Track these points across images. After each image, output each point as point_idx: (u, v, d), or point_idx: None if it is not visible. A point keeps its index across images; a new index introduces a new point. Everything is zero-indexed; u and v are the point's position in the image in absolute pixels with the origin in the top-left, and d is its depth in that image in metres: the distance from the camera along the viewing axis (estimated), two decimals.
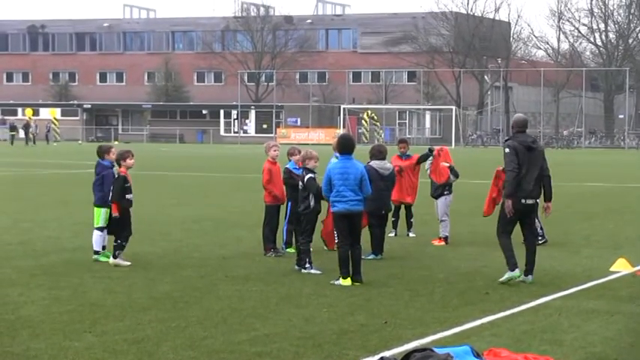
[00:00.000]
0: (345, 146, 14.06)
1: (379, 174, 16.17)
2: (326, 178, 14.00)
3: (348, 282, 13.61)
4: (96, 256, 15.77)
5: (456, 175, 18.66)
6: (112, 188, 15.40)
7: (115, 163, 15.87)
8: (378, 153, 16.51)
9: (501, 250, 14.02)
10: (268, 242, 16.65)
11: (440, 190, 18.49)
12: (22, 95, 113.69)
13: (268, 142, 17.49)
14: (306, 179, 14.89)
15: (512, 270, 13.76)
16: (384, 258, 16.23)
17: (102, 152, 16.08)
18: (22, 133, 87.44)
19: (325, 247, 16.78)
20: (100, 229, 15.79)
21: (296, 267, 14.82)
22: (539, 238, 18.04)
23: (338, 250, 14.03)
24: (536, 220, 18.18)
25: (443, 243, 18.14)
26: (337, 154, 14.45)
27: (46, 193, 30.15)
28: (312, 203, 14.88)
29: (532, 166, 13.87)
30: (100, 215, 15.78)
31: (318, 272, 14.51)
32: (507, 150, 13.83)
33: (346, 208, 13.83)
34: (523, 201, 13.84)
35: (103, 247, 15.95)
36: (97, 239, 15.82)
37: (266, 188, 16.73)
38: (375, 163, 16.36)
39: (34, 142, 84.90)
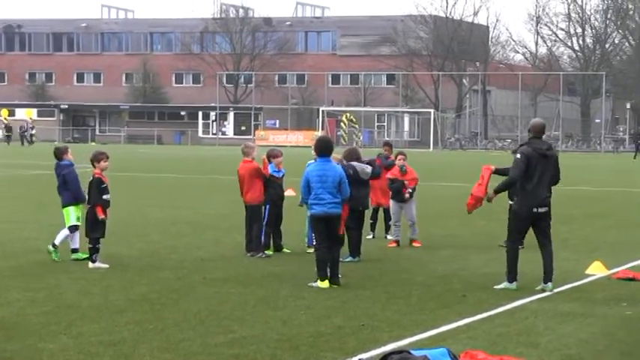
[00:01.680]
0: (323, 148, 14.05)
1: (359, 175, 16.20)
2: (304, 181, 13.95)
3: (325, 284, 13.61)
4: (75, 255, 15.81)
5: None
6: (87, 191, 15.43)
7: (89, 164, 15.94)
8: (353, 155, 16.52)
9: (506, 258, 13.75)
10: (259, 242, 16.69)
11: (412, 192, 18.44)
12: None
13: (247, 143, 17.59)
14: None
15: (511, 282, 13.61)
16: (361, 260, 16.24)
17: (60, 154, 16.20)
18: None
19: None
20: (74, 227, 15.82)
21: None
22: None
23: (316, 252, 14.03)
24: None
25: (420, 245, 18.17)
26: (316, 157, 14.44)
27: (23, 194, 30.01)
28: None
29: (545, 174, 13.60)
30: (70, 214, 15.85)
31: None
32: (519, 156, 13.54)
33: (324, 210, 13.82)
34: (535, 210, 13.56)
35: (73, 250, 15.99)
36: (72, 238, 15.88)
37: (258, 179, 16.81)
38: (356, 164, 16.47)
39: (27, 143, 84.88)
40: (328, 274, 13.70)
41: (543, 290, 13.53)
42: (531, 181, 13.55)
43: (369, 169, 16.33)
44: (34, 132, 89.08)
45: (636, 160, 65.65)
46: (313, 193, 13.86)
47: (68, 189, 15.92)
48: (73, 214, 15.91)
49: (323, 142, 14.24)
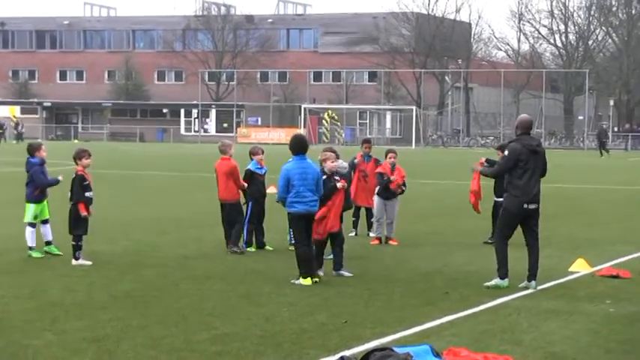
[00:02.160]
0: (299, 147, 14.02)
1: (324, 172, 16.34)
2: (284, 179, 13.82)
3: (308, 281, 13.62)
4: (30, 252, 15.82)
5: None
6: (70, 188, 15.42)
7: (73, 162, 15.92)
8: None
9: (496, 255, 13.73)
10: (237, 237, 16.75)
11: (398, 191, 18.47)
12: None
13: (224, 141, 17.59)
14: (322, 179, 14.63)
15: (503, 278, 13.58)
16: (343, 258, 16.23)
17: (32, 150, 16.24)
18: None
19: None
20: (31, 224, 15.87)
21: (333, 272, 14.46)
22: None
23: (296, 250, 14.02)
24: None
25: (396, 243, 18.16)
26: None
27: (4, 191, 29.90)
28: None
29: (536, 170, 13.65)
30: (29, 211, 15.90)
31: (349, 275, 14.34)
32: (507, 152, 13.57)
33: (306, 209, 13.82)
34: (525, 206, 13.61)
35: (48, 243, 15.97)
36: (29, 235, 15.93)
37: (234, 181, 16.88)
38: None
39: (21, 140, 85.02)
40: (312, 271, 13.70)
41: (527, 288, 13.55)
42: (522, 177, 13.56)
43: (345, 164, 16.35)
44: (23, 130, 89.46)
45: (604, 157, 66.11)
46: (294, 191, 13.79)
47: (31, 186, 15.97)
48: (31, 211, 15.99)
49: (298, 140, 14.18)
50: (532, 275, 13.71)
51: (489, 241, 18.27)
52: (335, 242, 14.62)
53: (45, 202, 16.17)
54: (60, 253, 15.89)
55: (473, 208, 18.75)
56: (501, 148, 18.89)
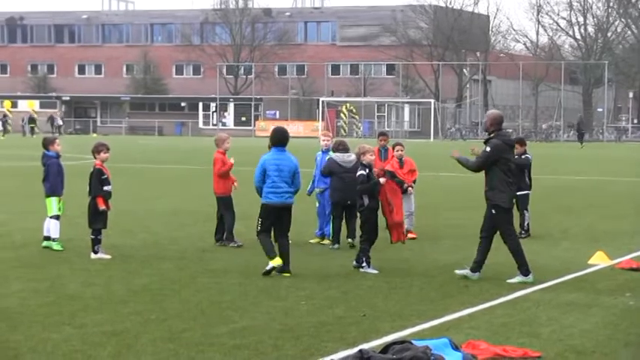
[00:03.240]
0: (277, 139, 14.12)
1: (340, 165, 16.37)
2: (260, 169, 14.02)
3: (278, 261, 13.69)
4: (46, 243, 15.86)
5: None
6: (89, 182, 15.45)
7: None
8: (339, 146, 16.92)
9: (513, 253, 13.62)
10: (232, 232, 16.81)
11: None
12: (1, 87, 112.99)
13: (220, 134, 17.63)
14: (357, 174, 14.63)
15: (526, 275, 13.48)
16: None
17: (46, 144, 16.33)
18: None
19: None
20: (56, 216, 15.88)
21: (354, 263, 14.46)
22: (523, 233, 18.16)
23: (258, 236, 14.08)
24: (525, 215, 18.34)
25: (415, 236, 18.09)
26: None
27: (24, 185, 30.00)
28: (366, 201, 14.52)
29: (514, 165, 13.75)
30: (52, 204, 15.96)
31: (375, 272, 14.16)
32: (489, 149, 13.52)
33: (280, 201, 13.93)
34: (514, 200, 13.78)
35: (47, 238, 16.10)
36: (54, 226, 16.01)
37: (219, 176, 17.01)
38: (336, 156, 16.68)
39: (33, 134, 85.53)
40: (276, 253, 13.80)
41: (467, 278, 13.52)
42: (508, 173, 13.59)
43: (352, 157, 16.27)
44: (62, 124, 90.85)
45: (584, 148, 66.48)
46: (270, 181, 13.93)
47: (49, 181, 16.08)
48: (54, 204, 16.03)
49: (279, 133, 14.29)
50: (478, 267, 13.66)
51: (522, 235, 18.17)
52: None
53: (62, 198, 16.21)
54: (59, 249, 15.89)
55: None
56: (518, 142, 18.87)
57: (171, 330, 10.30)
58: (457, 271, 13.74)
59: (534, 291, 12.87)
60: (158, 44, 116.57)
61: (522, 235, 18.15)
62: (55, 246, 15.94)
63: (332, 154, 16.99)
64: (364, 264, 14.28)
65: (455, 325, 10.73)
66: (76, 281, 13.19)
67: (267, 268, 13.73)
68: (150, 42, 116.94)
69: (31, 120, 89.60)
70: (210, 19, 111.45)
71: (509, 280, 13.50)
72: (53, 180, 16.05)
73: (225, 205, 17.00)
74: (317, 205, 17.67)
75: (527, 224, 18.44)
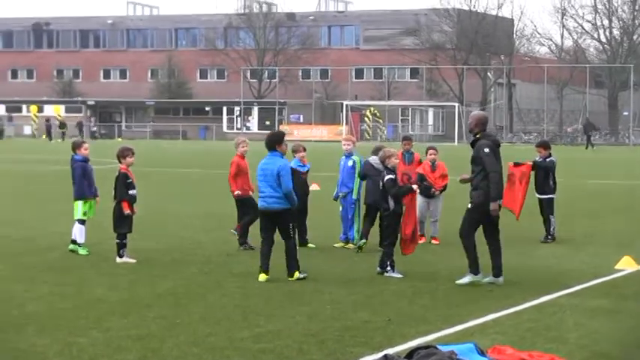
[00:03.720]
0: (265, 143, 14.07)
1: (375, 168, 16.34)
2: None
3: (262, 277, 13.61)
4: (72, 247, 15.92)
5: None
6: (114, 186, 15.51)
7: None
8: (377, 150, 16.76)
9: (467, 251, 13.59)
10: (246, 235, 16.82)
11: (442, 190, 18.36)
12: (27, 92, 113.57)
13: (238, 138, 17.70)
14: (385, 180, 14.54)
15: (476, 274, 13.50)
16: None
17: (74, 147, 16.41)
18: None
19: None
20: (81, 221, 15.93)
21: (378, 269, 14.41)
22: (549, 237, 18.06)
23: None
24: (551, 220, 18.22)
25: (438, 242, 18.02)
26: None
27: (50, 188, 30.15)
28: (391, 205, 14.49)
29: (500, 165, 13.67)
30: (77, 208, 16.03)
31: (400, 276, 14.12)
32: (487, 150, 13.42)
33: (264, 206, 13.88)
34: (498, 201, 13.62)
35: (74, 242, 16.13)
36: (79, 231, 16.07)
37: (231, 182, 17.05)
38: (372, 159, 16.67)
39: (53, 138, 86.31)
40: (266, 268, 13.68)
41: (493, 284, 13.42)
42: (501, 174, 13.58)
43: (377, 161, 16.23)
44: (95, 128, 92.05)
45: (588, 150, 66.10)
46: (258, 186, 14.00)
47: (75, 184, 16.16)
48: (80, 208, 16.10)
49: (269, 136, 14.27)
50: (498, 271, 13.60)
51: (548, 240, 18.08)
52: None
53: (93, 201, 16.25)
54: (84, 253, 15.93)
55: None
56: (542, 145, 18.79)
57: (196, 334, 10.31)
58: (459, 281, 13.55)
59: (560, 296, 12.80)
60: (182, 49, 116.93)
61: (548, 240, 18.07)
62: (81, 250, 15.99)
63: (369, 158, 17.00)
64: (389, 268, 14.24)
65: (480, 329, 10.69)
66: (101, 285, 13.23)
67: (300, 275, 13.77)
68: (174, 46, 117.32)
69: (62, 125, 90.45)
70: (234, 24, 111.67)
71: (458, 281, 13.48)
72: (79, 183, 16.14)
73: (245, 205, 17.01)
74: (340, 209, 17.65)
75: (553, 229, 18.32)
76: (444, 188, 18.25)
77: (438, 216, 18.20)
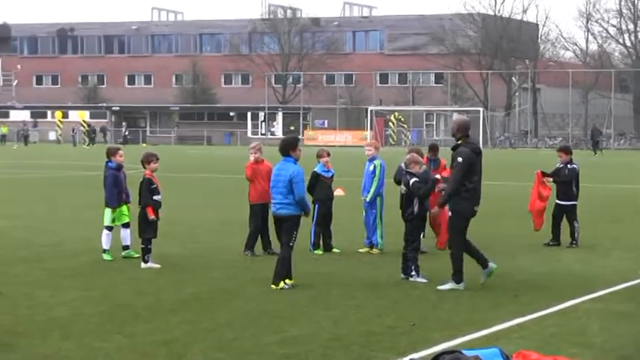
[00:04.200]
0: (280, 148, 13.90)
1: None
2: None
3: (288, 282, 13.48)
4: (125, 252, 16.09)
5: None
6: (138, 192, 15.59)
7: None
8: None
9: (453, 260, 13.56)
10: (250, 241, 16.83)
11: None
12: (52, 98, 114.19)
13: (252, 143, 17.80)
14: (412, 183, 14.50)
15: (459, 283, 13.47)
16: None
17: (109, 154, 16.50)
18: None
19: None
20: (108, 227, 16.18)
21: (402, 275, 14.36)
22: (574, 243, 18.03)
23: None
24: (575, 226, 18.19)
25: None
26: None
27: (77, 194, 30.30)
28: (415, 209, 14.49)
29: (480, 172, 13.63)
30: (106, 215, 16.18)
31: (425, 281, 14.08)
32: (460, 159, 13.36)
33: (273, 211, 13.83)
34: (476, 208, 13.62)
35: (125, 247, 16.23)
36: (105, 238, 16.20)
37: (250, 180, 17.18)
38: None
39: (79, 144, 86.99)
40: (289, 273, 13.55)
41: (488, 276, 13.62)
42: (473, 180, 13.49)
43: (423, 166, 16.18)
44: (128, 135, 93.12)
45: (597, 155, 65.90)
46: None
47: (106, 191, 16.27)
48: (108, 215, 16.21)
49: (281, 142, 14.06)
50: (484, 262, 13.69)
51: (550, 243, 18.13)
52: None
53: (124, 207, 16.33)
54: (108, 259, 16.04)
55: (536, 226, 18.65)
56: (563, 150, 18.74)
57: (221, 339, 10.35)
58: (440, 287, 13.49)
59: (584, 301, 12.76)
60: (207, 54, 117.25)
61: (573, 246, 18.02)
62: (105, 256, 16.08)
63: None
64: (413, 272, 14.23)
65: (505, 334, 10.68)
66: (126, 290, 13.29)
67: (285, 287, 13.49)
68: (199, 52, 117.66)
69: (92, 131, 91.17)
70: (259, 29, 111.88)
71: (439, 287, 13.44)
72: (109, 191, 16.22)
73: (252, 214, 17.03)
74: (364, 214, 17.64)
75: (577, 235, 18.27)
76: None
77: None
